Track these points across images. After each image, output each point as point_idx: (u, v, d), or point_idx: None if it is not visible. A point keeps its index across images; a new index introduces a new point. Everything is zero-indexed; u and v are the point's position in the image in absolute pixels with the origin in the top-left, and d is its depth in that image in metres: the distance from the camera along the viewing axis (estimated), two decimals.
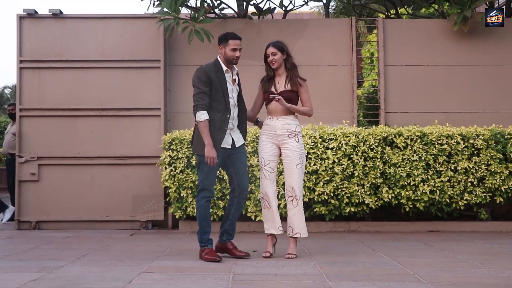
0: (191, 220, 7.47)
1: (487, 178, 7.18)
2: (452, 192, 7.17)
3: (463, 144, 7.16)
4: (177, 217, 7.43)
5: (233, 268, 4.87)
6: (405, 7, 10.82)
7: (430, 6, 9.31)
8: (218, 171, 5.76)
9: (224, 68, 5.46)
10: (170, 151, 7.24)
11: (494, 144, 7.16)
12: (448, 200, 7.21)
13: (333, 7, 11.68)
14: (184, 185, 7.20)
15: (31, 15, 8.08)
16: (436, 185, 7.14)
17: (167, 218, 7.90)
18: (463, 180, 7.17)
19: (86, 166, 7.96)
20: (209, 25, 7.89)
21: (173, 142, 7.26)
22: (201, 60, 8.07)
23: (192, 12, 8.09)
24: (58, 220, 7.88)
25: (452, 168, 7.16)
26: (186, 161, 7.19)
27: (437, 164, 7.17)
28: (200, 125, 5.29)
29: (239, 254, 5.43)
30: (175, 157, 7.22)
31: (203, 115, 5.27)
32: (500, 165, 7.14)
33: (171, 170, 7.21)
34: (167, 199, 7.61)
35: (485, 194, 7.21)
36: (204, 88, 5.33)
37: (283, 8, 8.97)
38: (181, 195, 7.23)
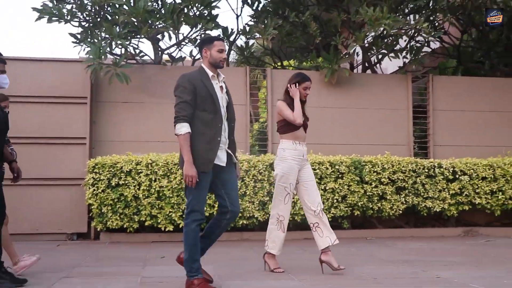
0: (111, 232, 7.35)
1: (348, 196, 7.53)
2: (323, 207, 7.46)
3: (331, 169, 7.49)
4: (98, 229, 7.29)
5: (142, 272, 4.87)
6: (290, 60, 11.29)
7: (308, 60, 9.67)
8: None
9: (210, 73, 4.20)
10: (94, 173, 7.11)
11: (354, 169, 7.54)
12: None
13: (236, 58, 11.86)
14: (105, 203, 7.08)
15: None
16: None
17: (90, 231, 7.72)
18: (330, 198, 7.49)
19: (21, 186, 7.66)
20: (129, 69, 7.89)
21: (96, 166, 7.14)
22: (123, 97, 8.13)
23: (115, 58, 8.05)
24: None
25: (322, 188, 7.46)
26: (106, 182, 7.09)
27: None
28: (179, 139, 3.98)
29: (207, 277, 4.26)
30: (98, 179, 7.10)
31: (183, 128, 3.98)
32: (358, 186, 7.52)
33: (94, 189, 7.09)
34: (90, 214, 7.46)
35: (346, 209, 7.56)
36: (187, 97, 4.03)
37: (192, 57, 9.08)
38: (102, 211, 7.10)
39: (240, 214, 7.24)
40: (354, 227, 8.01)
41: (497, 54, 10.35)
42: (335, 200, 7.49)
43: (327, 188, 7.46)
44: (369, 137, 8.71)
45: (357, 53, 9.49)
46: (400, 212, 7.75)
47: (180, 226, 7.10)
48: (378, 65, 9.85)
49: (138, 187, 7.10)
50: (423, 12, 9.23)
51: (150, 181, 7.12)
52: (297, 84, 4.96)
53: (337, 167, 7.48)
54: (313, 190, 4.89)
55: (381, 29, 8.24)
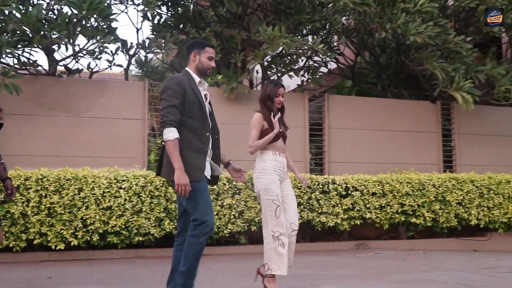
0: None
1: (245, 212, 7.68)
2: (220, 223, 7.56)
3: (228, 185, 7.61)
4: None
5: None
6: None
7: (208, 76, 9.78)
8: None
9: (197, 79, 3.95)
10: None
11: (251, 185, 7.71)
12: (216, 230, 7.56)
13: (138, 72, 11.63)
14: None
15: None
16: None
17: None
18: (227, 214, 7.59)
19: None
20: (20, 80, 7.59)
21: None
22: (13, 109, 7.76)
23: (3, 67, 7.72)
24: None
25: (219, 204, 7.55)
26: None
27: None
28: (168, 145, 3.67)
29: None
30: None
31: (171, 133, 3.67)
32: (255, 201, 7.69)
33: None
34: None
35: (243, 224, 7.70)
36: (175, 101, 3.74)
37: (90, 70, 8.90)
38: None
39: (135, 231, 7.16)
40: (251, 243, 8.15)
41: (387, 77, 11.04)
42: (232, 216, 7.60)
43: (224, 204, 7.56)
44: None
45: (257, 71, 9.76)
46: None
47: (72, 243, 6.90)
48: None
49: (27, 203, 6.82)
50: (320, 33, 9.69)
51: (40, 197, 6.86)
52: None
53: (234, 183, 7.61)
54: (292, 209, 4.64)
55: (280, 48, 8.55)
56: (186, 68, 4.02)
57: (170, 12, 9.59)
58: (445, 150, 10.07)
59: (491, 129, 10.32)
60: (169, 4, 9.43)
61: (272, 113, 4.70)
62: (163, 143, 3.76)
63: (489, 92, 9.88)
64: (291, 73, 9.47)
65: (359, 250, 8.40)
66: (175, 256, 3.86)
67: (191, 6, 9.57)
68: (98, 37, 7.96)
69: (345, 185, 8.27)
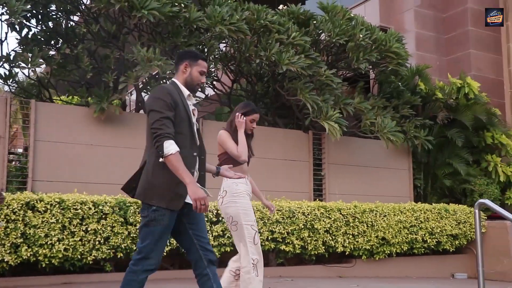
0: None
1: (111, 238, 7.41)
2: (83, 249, 7.22)
3: (94, 209, 7.31)
4: None
5: None
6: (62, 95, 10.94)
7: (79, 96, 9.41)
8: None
9: (187, 92, 3.62)
10: None
11: (118, 210, 7.48)
12: (79, 256, 7.22)
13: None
14: None
15: None
16: (70, 243, 7.11)
17: None
18: (92, 239, 7.28)
19: None
20: None
21: None
22: None
23: None
24: None
25: (84, 229, 7.23)
26: None
27: (72, 226, 7.15)
28: (170, 160, 3.30)
29: None
30: None
31: (172, 146, 3.32)
32: (122, 227, 7.45)
33: None
34: None
35: (109, 251, 7.41)
36: (168, 113, 3.40)
37: None
38: None
39: None
40: (117, 270, 7.87)
41: (264, 105, 11.36)
42: (97, 242, 7.30)
43: (89, 229, 7.25)
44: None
45: (130, 92, 9.60)
46: (164, 254, 7.84)
47: None
48: None
49: None
50: None
51: None
52: (244, 116, 4.60)
53: (100, 207, 7.34)
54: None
55: (156, 70, 8.48)
56: (174, 79, 3.71)
57: (40, 26, 9.17)
58: (316, 178, 10.49)
59: (358, 159, 10.96)
60: (39, 17, 9.03)
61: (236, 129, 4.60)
62: (161, 159, 3.37)
63: (357, 125, 10.52)
64: None
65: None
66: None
67: (63, 21, 9.23)
68: None
69: (216, 211, 8.30)
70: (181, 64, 3.71)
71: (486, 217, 10.93)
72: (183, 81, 3.69)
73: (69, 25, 9.24)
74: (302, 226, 8.89)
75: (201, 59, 3.75)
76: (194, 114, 3.69)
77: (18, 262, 6.92)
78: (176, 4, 8.12)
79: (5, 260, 6.79)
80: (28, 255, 6.89)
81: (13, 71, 8.69)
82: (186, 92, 3.65)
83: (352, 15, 10.57)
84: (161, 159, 3.40)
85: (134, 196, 3.59)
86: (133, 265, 3.48)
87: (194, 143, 3.58)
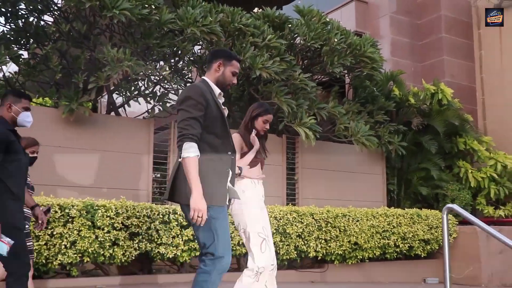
0: None
1: (78, 242, 7.25)
2: (48, 253, 7.06)
3: (60, 212, 7.16)
4: None
5: None
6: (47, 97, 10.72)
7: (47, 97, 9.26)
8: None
9: (218, 91, 3.58)
10: None
11: (85, 213, 7.33)
12: (44, 261, 7.05)
13: None
14: None
15: None
16: (35, 248, 6.91)
17: None
18: (58, 244, 7.12)
19: None
20: None
21: None
22: None
23: None
24: None
25: (49, 233, 7.07)
26: None
27: (36, 231, 6.96)
28: (187, 162, 3.26)
29: None
30: None
31: (192, 148, 3.28)
32: (89, 231, 7.30)
33: None
34: None
35: (75, 255, 7.25)
36: (197, 113, 3.35)
37: None
38: None
39: None
40: (84, 275, 7.74)
41: (239, 108, 11.30)
42: (63, 246, 7.14)
43: (54, 233, 7.09)
44: (109, 181, 8.63)
45: (102, 94, 9.46)
46: (133, 258, 7.73)
47: None
48: (125, 107, 9.92)
49: None
50: (172, 60, 9.67)
51: None
52: (258, 117, 4.54)
53: (67, 210, 7.18)
54: (271, 241, 4.44)
55: (126, 70, 8.36)
56: (204, 77, 3.67)
57: (8, 24, 8.98)
58: (289, 183, 10.46)
59: (331, 164, 10.96)
60: (8, 15, 8.84)
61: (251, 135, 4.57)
62: (179, 159, 3.35)
63: (331, 129, 10.52)
64: (141, 98, 9.31)
65: None
66: None
67: (34, 20, 9.05)
68: None
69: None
70: (215, 62, 3.68)
71: (457, 222, 11.02)
72: (214, 79, 3.66)
73: (40, 25, 9.06)
74: (274, 231, 8.82)
75: (235, 59, 3.74)
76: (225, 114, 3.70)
77: None
78: (147, 5, 8.01)
79: None
80: None
81: None
82: (217, 90, 3.63)
83: (328, 20, 10.60)
84: (179, 159, 3.39)
85: (171, 200, 3.58)
86: (206, 266, 3.46)
87: (228, 143, 3.57)
